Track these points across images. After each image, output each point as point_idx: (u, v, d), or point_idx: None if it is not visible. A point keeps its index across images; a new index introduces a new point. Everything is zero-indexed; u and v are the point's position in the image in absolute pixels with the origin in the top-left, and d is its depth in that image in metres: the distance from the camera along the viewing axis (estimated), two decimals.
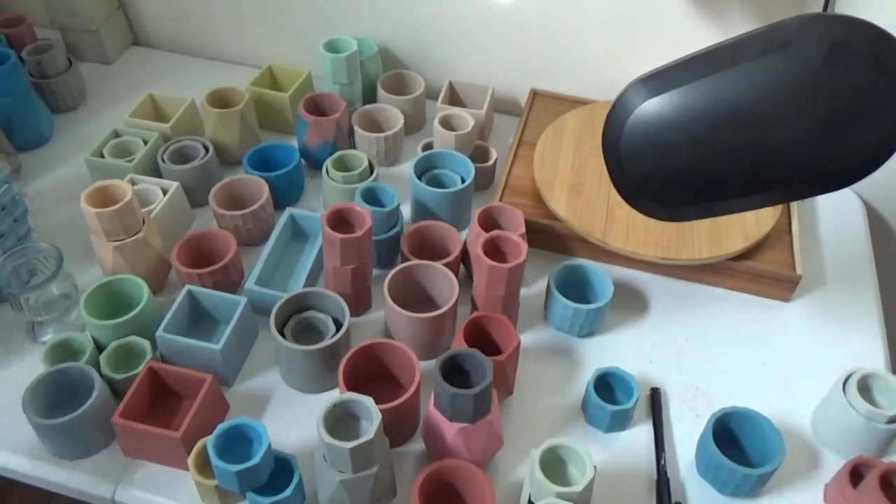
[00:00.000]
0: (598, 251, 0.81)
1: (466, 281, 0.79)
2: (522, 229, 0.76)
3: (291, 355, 0.66)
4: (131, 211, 0.70)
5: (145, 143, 0.86)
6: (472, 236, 0.76)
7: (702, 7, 0.89)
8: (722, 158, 0.54)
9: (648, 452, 0.67)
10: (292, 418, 0.68)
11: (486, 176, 0.90)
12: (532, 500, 0.58)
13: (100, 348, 0.68)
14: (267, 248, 0.77)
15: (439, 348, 0.71)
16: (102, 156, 0.85)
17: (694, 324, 0.78)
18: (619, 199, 0.59)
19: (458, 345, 0.65)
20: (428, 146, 0.91)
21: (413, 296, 0.73)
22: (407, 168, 0.92)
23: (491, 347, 0.69)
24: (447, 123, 0.91)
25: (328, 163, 0.84)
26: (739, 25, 0.89)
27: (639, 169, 0.57)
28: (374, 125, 0.95)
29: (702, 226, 0.80)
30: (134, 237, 0.71)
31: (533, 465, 0.57)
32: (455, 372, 0.59)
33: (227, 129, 0.89)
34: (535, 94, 1.00)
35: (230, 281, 0.75)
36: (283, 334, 0.68)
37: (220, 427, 0.58)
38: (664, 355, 0.75)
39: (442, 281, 0.72)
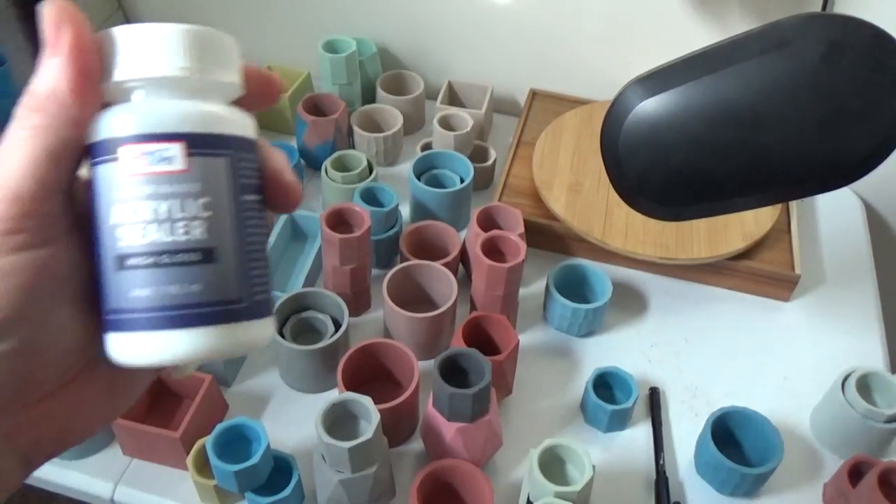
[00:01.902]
0: (597, 251, 0.81)
1: (465, 281, 0.79)
2: (521, 229, 0.76)
3: (290, 355, 0.66)
4: None
5: None
6: (471, 236, 0.76)
7: (701, 7, 0.89)
8: (720, 158, 0.54)
9: (647, 452, 0.67)
10: (291, 418, 0.68)
11: (486, 176, 0.90)
12: (531, 499, 0.58)
13: None
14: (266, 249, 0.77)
15: (438, 348, 0.72)
16: None
17: (693, 323, 0.78)
18: (618, 198, 0.59)
19: (457, 344, 0.65)
20: (427, 146, 0.91)
21: (412, 296, 0.73)
22: (406, 168, 0.92)
23: (490, 347, 0.69)
24: (446, 123, 0.91)
25: (327, 163, 0.84)
26: (738, 25, 0.89)
27: (637, 168, 0.57)
28: (373, 125, 0.95)
29: (700, 225, 0.80)
30: None
31: (532, 465, 0.57)
32: (454, 372, 0.59)
33: None
34: (534, 94, 1.00)
35: None
36: (282, 334, 0.68)
37: (219, 427, 0.58)
38: (663, 355, 0.75)
39: (441, 281, 0.72)
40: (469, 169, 0.83)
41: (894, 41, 0.50)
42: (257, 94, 0.27)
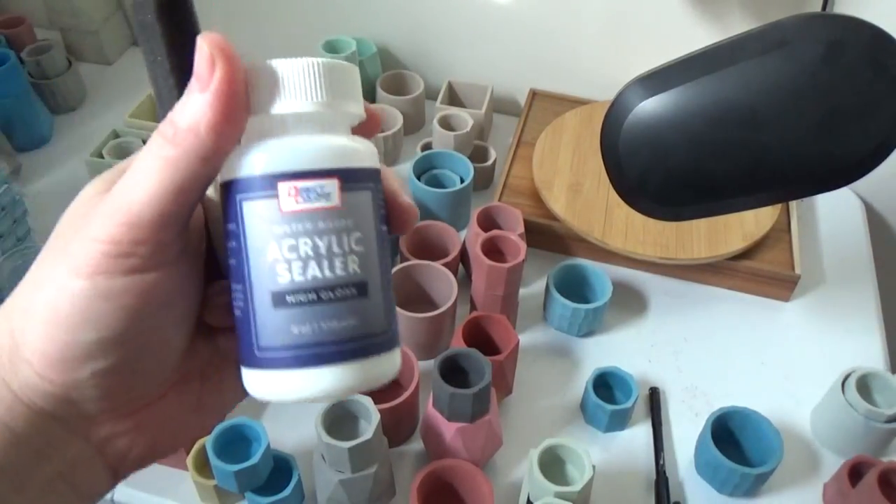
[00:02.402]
0: (597, 251, 0.81)
1: (465, 281, 0.79)
2: (521, 229, 0.76)
3: None
4: None
5: (145, 143, 0.86)
6: (471, 236, 0.76)
7: (701, 7, 0.89)
8: (720, 157, 0.54)
9: (647, 452, 0.67)
10: (291, 418, 0.68)
11: (485, 176, 0.90)
12: (531, 499, 0.58)
13: None
14: None
15: (438, 348, 0.71)
16: (102, 156, 0.85)
17: (693, 323, 0.78)
18: (618, 198, 0.59)
19: (457, 344, 0.65)
20: (427, 146, 0.91)
21: (412, 296, 0.73)
22: (406, 168, 0.92)
23: (490, 347, 0.69)
24: (446, 123, 0.91)
25: None
26: (738, 25, 0.89)
27: (637, 168, 0.57)
28: None
29: (701, 225, 0.80)
30: None
31: (532, 465, 0.57)
32: (454, 371, 0.59)
33: None
34: (534, 94, 1.00)
35: None
36: None
37: (219, 427, 0.58)
38: (663, 355, 0.75)
39: (441, 281, 0.72)
40: (469, 169, 0.83)
41: (894, 41, 0.50)
42: (365, 126, 0.28)
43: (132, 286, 0.23)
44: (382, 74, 0.99)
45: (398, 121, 0.92)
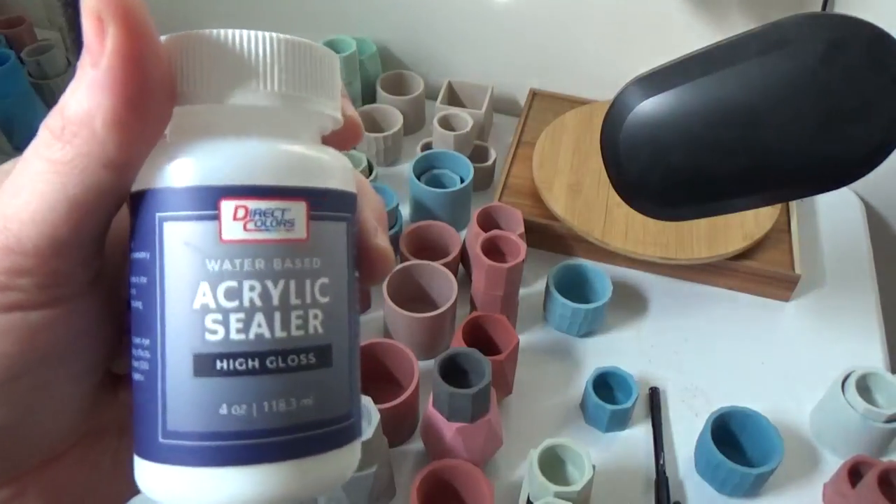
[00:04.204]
0: (597, 251, 0.81)
1: (465, 281, 0.79)
2: (521, 229, 0.76)
3: None
4: None
5: None
6: (471, 236, 0.76)
7: (701, 7, 0.89)
8: (720, 158, 0.54)
9: (647, 452, 0.67)
10: None
11: (486, 176, 0.90)
12: (531, 499, 0.58)
13: None
14: None
15: (438, 348, 0.72)
16: None
17: (693, 323, 0.78)
18: (618, 198, 0.59)
19: (457, 344, 0.65)
20: (427, 146, 0.91)
21: (412, 295, 0.73)
22: (406, 168, 0.92)
23: (490, 347, 0.69)
24: (446, 123, 0.91)
25: None
26: (738, 25, 0.89)
27: (637, 169, 0.57)
28: (373, 125, 0.95)
29: (701, 225, 0.80)
30: None
31: (532, 465, 0.57)
32: (454, 371, 0.59)
33: None
34: (534, 94, 1.00)
35: None
36: None
37: None
38: (663, 355, 0.75)
39: (441, 281, 0.72)
40: (469, 169, 0.83)
41: (894, 41, 0.50)
42: (339, 135, 0.21)
43: (10, 328, 0.16)
44: (382, 74, 0.99)
45: (398, 121, 0.92)
